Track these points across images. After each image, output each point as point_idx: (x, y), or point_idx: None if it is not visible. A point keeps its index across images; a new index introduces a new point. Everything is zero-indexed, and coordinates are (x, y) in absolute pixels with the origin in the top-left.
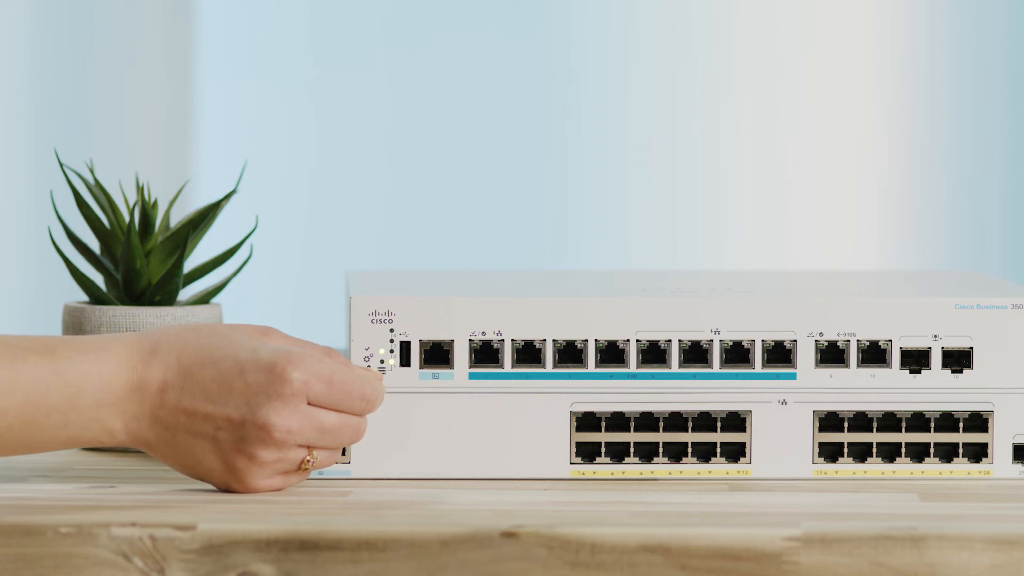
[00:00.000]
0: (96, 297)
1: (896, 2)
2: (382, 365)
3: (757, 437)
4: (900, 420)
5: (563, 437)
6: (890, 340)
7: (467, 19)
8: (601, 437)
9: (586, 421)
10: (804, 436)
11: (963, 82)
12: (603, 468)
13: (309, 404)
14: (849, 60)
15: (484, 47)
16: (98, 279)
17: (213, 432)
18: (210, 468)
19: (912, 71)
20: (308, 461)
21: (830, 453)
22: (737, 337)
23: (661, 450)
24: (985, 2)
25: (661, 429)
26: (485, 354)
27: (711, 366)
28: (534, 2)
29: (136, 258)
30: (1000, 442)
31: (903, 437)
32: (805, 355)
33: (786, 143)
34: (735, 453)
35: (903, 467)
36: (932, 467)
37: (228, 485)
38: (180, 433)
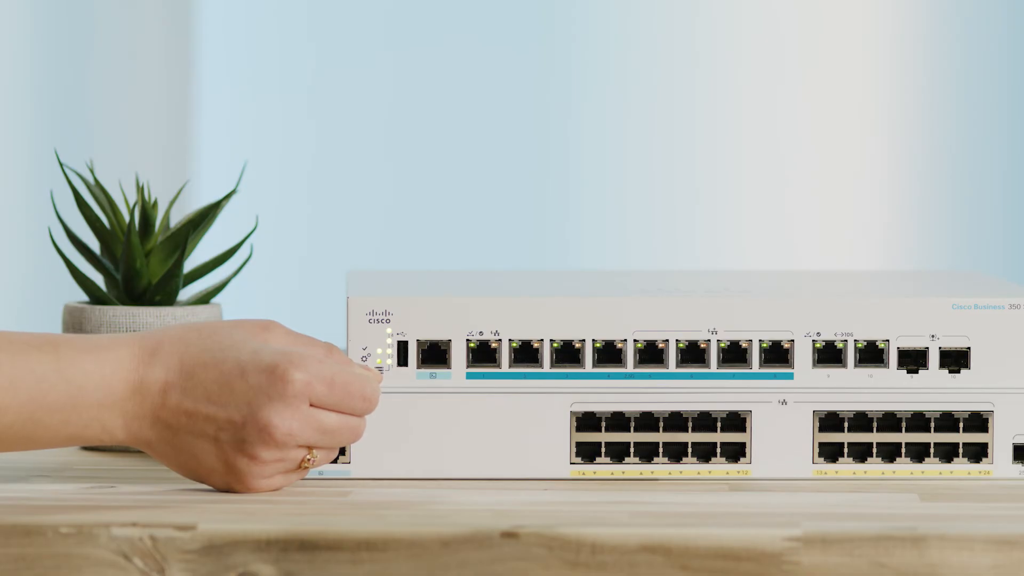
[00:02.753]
0: (96, 297)
1: (897, 1)
2: (379, 365)
3: (757, 437)
4: (900, 420)
5: (563, 437)
6: (887, 340)
7: (467, 20)
8: (601, 437)
9: (586, 421)
10: (804, 436)
11: (964, 82)
12: (603, 468)
13: (311, 405)
14: (848, 59)
15: (483, 48)
16: (98, 279)
17: (214, 433)
18: (211, 468)
19: (912, 70)
20: (308, 460)
21: (830, 453)
22: (734, 337)
23: (661, 450)
24: (986, 1)
25: (661, 429)
26: (482, 354)
27: (708, 366)
28: (533, 2)
29: (136, 258)
30: (1000, 442)
31: (903, 437)
32: (802, 355)
33: (785, 143)
34: (735, 453)
35: (903, 467)
36: (932, 467)
37: (228, 485)
38: (181, 434)
